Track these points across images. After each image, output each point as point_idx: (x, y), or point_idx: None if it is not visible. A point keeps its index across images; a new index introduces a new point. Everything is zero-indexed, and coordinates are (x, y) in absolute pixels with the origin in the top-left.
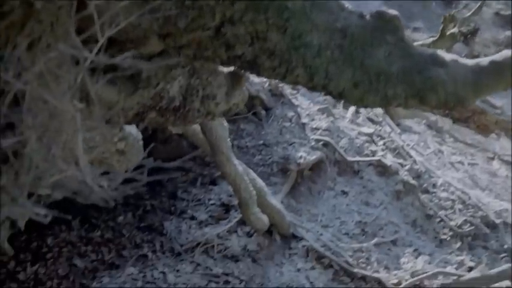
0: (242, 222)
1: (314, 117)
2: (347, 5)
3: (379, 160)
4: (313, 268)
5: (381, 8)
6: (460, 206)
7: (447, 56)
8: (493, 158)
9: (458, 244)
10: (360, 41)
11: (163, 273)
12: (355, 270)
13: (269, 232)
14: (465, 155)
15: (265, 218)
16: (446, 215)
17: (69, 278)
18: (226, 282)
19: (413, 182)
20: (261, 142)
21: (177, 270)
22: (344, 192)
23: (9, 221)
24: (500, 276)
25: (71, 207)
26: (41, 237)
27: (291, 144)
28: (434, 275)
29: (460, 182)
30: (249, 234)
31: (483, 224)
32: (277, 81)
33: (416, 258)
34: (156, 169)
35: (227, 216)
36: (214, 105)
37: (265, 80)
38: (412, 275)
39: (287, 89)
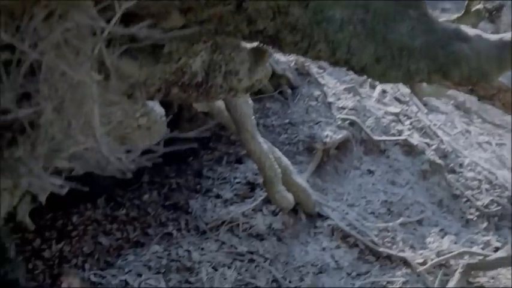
0: (267, 201)
1: (340, 96)
2: None
3: (406, 139)
4: (338, 247)
5: None
6: (487, 186)
7: (470, 31)
8: None
9: (485, 224)
10: (383, 15)
11: (188, 251)
12: (381, 249)
13: (294, 211)
14: (493, 135)
15: (290, 197)
16: (472, 195)
17: (94, 255)
18: (251, 260)
19: (439, 161)
20: (287, 121)
21: (202, 249)
22: (370, 172)
23: (30, 196)
24: None
25: (96, 186)
26: (66, 215)
27: (317, 123)
28: (460, 255)
29: (487, 162)
30: (274, 213)
31: (510, 204)
32: (302, 59)
33: (442, 238)
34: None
35: (252, 195)
36: (237, 81)
37: (291, 58)
38: (438, 254)
39: (313, 68)
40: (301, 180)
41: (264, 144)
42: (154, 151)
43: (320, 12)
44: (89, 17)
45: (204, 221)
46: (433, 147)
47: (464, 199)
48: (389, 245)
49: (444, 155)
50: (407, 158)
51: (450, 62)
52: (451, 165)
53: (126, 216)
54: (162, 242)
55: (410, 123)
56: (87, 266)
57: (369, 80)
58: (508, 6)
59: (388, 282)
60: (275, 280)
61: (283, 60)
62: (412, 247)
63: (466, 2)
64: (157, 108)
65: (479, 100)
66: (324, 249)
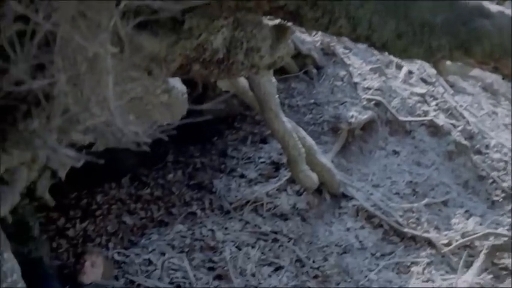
0: (292, 181)
1: (366, 77)
2: None
3: (432, 120)
4: (362, 227)
5: None
6: None
7: (493, 8)
8: None
9: (510, 205)
10: None
11: (212, 230)
12: (405, 230)
13: (319, 191)
14: None
15: (314, 177)
16: (498, 176)
17: (118, 234)
18: (275, 240)
19: (465, 142)
20: (312, 101)
21: (226, 228)
22: (395, 152)
23: (50, 171)
24: None
25: (121, 165)
26: (91, 195)
27: (342, 104)
28: (485, 236)
29: None
30: (299, 193)
31: None
32: (328, 39)
33: (468, 219)
34: (205, 123)
35: (277, 175)
36: (258, 58)
37: (317, 38)
38: (463, 235)
39: (339, 48)
40: (325, 160)
41: (288, 124)
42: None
43: None
44: None
45: (228, 201)
46: (459, 128)
47: (490, 180)
48: (414, 225)
49: (470, 136)
50: (433, 139)
51: (472, 39)
52: (477, 146)
53: (151, 195)
54: (186, 222)
55: (437, 104)
56: (111, 244)
57: (395, 60)
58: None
59: (412, 263)
60: (299, 260)
61: (309, 40)
62: (436, 228)
63: None
64: (179, 86)
65: (503, 79)
66: (348, 229)
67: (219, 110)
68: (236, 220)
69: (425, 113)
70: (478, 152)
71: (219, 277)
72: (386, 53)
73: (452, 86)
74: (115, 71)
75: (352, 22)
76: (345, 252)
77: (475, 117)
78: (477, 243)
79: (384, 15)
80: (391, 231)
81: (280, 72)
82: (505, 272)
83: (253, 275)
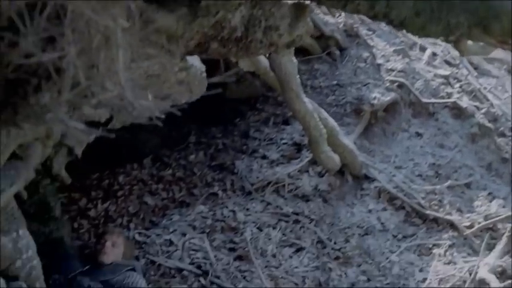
0: (314, 162)
1: (389, 59)
2: None
3: (455, 102)
4: (384, 209)
5: None
6: None
7: None
8: None
9: None
10: None
11: (233, 211)
12: (428, 212)
13: (341, 172)
14: None
15: (336, 158)
16: None
17: (139, 215)
18: (296, 221)
19: (489, 125)
20: (335, 82)
21: (247, 209)
22: (418, 134)
23: (66, 148)
24: None
25: (143, 146)
26: (113, 175)
27: (365, 85)
28: (508, 219)
29: None
30: (321, 174)
31: None
32: (351, 21)
33: (490, 201)
34: (228, 104)
35: (299, 156)
36: (277, 36)
37: (340, 20)
38: (485, 218)
39: (363, 30)
40: (347, 141)
41: (309, 104)
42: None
43: None
44: None
45: (249, 182)
46: (483, 110)
47: None
48: (436, 207)
49: (494, 119)
50: (456, 121)
51: (490, 16)
52: (501, 128)
53: (172, 176)
54: (208, 202)
55: (460, 86)
56: (132, 225)
57: (419, 42)
58: None
59: (434, 245)
60: (320, 241)
61: (332, 22)
62: (459, 210)
63: None
64: (198, 64)
65: None
66: (370, 211)
67: (241, 91)
68: (257, 201)
69: (449, 95)
70: (502, 135)
71: (239, 258)
72: (404, 31)
73: (476, 68)
74: (131, 48)
75: (369, 0)
76: (366, 234)
77: (499, 99)
78: (499, 225)
79: None
80: (413, 213)
81: (303, 53)
82: None
83: (274, 256)
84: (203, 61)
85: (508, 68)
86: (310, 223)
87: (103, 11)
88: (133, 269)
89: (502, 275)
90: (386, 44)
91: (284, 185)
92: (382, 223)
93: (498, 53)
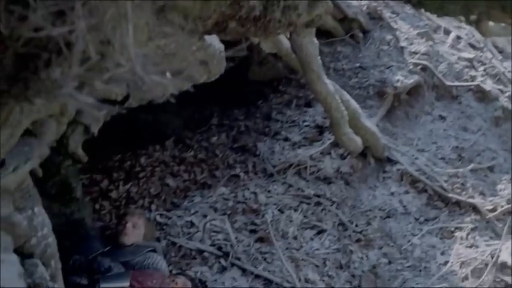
0: (336, 144)
1: (413, 41)
2: None
3: (479, 85)
4: (407, 192)
5: None
6: None
7: None
8: None
9: None
10: None
11: (255, 193)
12: (450, 195)
13: (363, 155)
14: None
15: (358, 140)
16: None
17: (160, 196)
18: (318, 203)
19: None
20: (358, 65)
21: (269, 191)
22: (442, 117)
23: (83, 127)
24: None
25: (166, 128)
26: (135, 157)
27: (388, 68)
28: None
29: None
30: (343, 157)
31: None
32: (375, 3)
33: None
34: (251, 86)
35: (321, 138)
36: (296, 16)
37: (363, 2)
38: (508, 201)
39: (386, 13)
40: (370, 124)
41: (331, 86)
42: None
43: None
44: None
45: (271, 164)
46: (507, 93)
47: None
48: (458, 191)
49: None
50: (480, 104)
51: None
52: None
53: (194, 158)
54: (229, 184)
55: (484, 70)
56: (153, 206)
57: (443, 25)
58: None
59: (456, 228)
60: (341, 224)
61: (355, 4)
62: (482, 193)
63: None
64: (216, 44)
65: None
66: (392, 194)
67: (263, 73)
68: (279, 183)
69: (473, 78)
70: None
71: (260, 240)
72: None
73: (501, 52)
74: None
75: None
76: (388, 217)
77: None
78: None
79: None
80: (435, 196)
81: (326, 35)
82: None
83: (295, 238)
84: (224, 42)
85: None
86: (331, 205)
87: None
88: (153, 250)
89: None
90: (410, 27)
91: (306, 167)
92: (404, 206)
93: None
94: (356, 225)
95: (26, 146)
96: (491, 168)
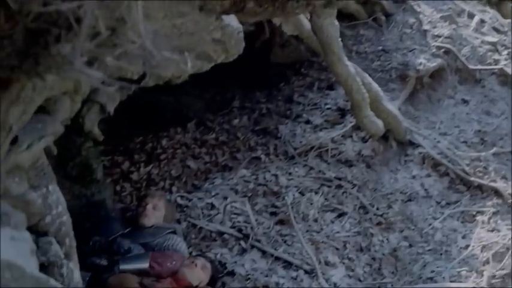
0: (357, 127)
1: (436, 25)
2: None
3: (502, 69)
4: (428, 175)
5: None
6: None
7: None
8: None
9: None
10: None
11: (276, 175)
12: (472, 179)
13: (385, 138)
14: None
15: (379, 123)
16: None
17: (181, 178)
18: (339, 186)
19: None
20: (380, 48)
21: (290, 173)
22: (464, 101)
23: (98, 105)
24: None
25: (187, 110)
26: (156, 139)
27: (411, 51)
28: None
29: None
30: (364, 140)
31: None
32: None
33: None
34: (273, 69)
35: (342, 121)
36: None
37: None
38: None
39: None
40: (392, 107)
41: (351, 68)
42: None
43: None
44: None
45: (292, 146)
46: None
47: None
48: (480, 174)
49: None
50: (503, 88)
51: None
52: None
53: (216, 140)
54: (250, 166)
55: (508, 53)
56: (174, 188)
57: (467, 9)
58: None
59: (478, 212)
60: (362, 207)
61: None
62: (504, 177)
63: None
64: (234, 24)
65: None
66: (414, 177)
67: (286, 55)
68: (300, 166)
69: (496, 62)
70: None
71: (281, 222)
72: None
73: None
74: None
75: None
76: (409, 200)
77: None
78: None
79: None
80: (457, 180)
81: (349, 18)
82: None
83: (315, 220)
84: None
85: None
86: (352, 188)
87: None
88: (174, 232)
89: None
90: (433, 11)
91: (327, 150)
92: (425, 189)
93: None
94: (377, 208)
95: (39, 123)
96: None
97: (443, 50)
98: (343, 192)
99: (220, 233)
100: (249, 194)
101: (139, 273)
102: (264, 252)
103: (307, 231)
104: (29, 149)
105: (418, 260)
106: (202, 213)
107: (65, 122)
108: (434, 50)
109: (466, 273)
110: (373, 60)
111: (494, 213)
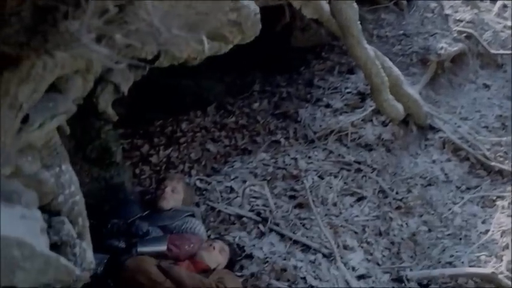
0: (377, 112)
1: (458, 9)
2: None
3: None
4: (449, 160)
5: None
6: None
7: None
8: None
9: None
10: None
11: (295, 159)
12: (493, 163)
13: (405, 122)
14: None
15: (399, 107)
16: None
17: (201, 162)
18: (358, 170)
19: None
20: (401, 32)
21: (309, 157)
22: (486, 86)
23: (113, 85)
24: None
25: (207, 94)
26: (176, 122)
27: (432, 35)
28: None
29: None
30: (384, 124)
31: None
32: None
33: None
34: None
35: (363, 105)
36: None
37: None
38: None
39: None
40: (412, 91)
41: (371, 51)
42: None
43: None
44: None
45: (312, 130)
46: None
47: None
48: (501, 159)
49: None
50: None
51: None
52: None
53: (235, 124)
54: (270, 150)
55: None
56: (193, 172)
57: None
58: None
59: (498, 197)
60: (382, 191)
61: None
62: None
63: None
64: (251, 5)
65: None
66: (434, 161)
67: (306, 39)
68: (320, 149)
69: None
70: None
71: (299, 205)
72: None
73: None
74: None
75: None
76: (429, 185)
77: None
78: None
79: None
80: (477, 165)
81: (370, 2)
82: None
83: (334, 204)
84: (269, 9)
85: None
86: (372, 172)
87: None
88: (192, 215)
89: None
90: None
91: (347, 134)
92: (445, 174)
93: None
94: (396, 193)
95: (50, 101)
96: None
97: (464, 34)
98: (363, 176)
99: (239, 216)
100: (268, 178)
101: (157, 255)
102: (282, 236)
103: (325, 214)
104: (41, 128)
105: (437, 245)
106: (221, 196)
107: (77, 101)
108: (455, 35)
109: (485, 258)
110: (394, 45)
111: None
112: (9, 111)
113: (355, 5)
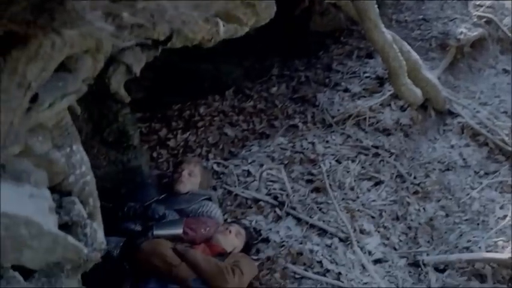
0: (396, 96)
1: None
2: None
3: None
4: (467, 145)
5: None
6: None
7: None
8: None
9: None
10: None
11: (313, 143)
12: (511, 149)
13: (424, 107)
14: None
15: (418, 91)
16: None
17: (218, 145)
18: (376, 154)
19: None
20: (421, 17)
21: (327, 141)
22: (505, 71)
23: (125, 66)
24: None
25: (226, 78)
26: (194, 106)
27: (451, 20)
28: None
29: None
30: (403, 108)
31: None
32: None
33: None
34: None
35: (381, 90)
36: None
37: None
38: None
39: None
40: (431, 75)
41: (388, 35)
42: None
43: None
44: None
45: (330, 115)
46: None
47: None
48: None
49: None
50: None
51: None
52: None
53: (253, 108)
54: (287, 134)
55: None
56: (210, 155)
57: None
58: None
59: None
60: (399, 175)
61: None
62: None
63: None
64: None
65: None
66: (452, 146)
67: (325, 24)
68: (337, 134)
69: None
70: None
71: (316, 190)
72: None
73: None
74: None
75: None
76: (447, 170)
77: None
78: None
79: None
80: (496, 150)
81: None
82: None
83: (351, 188)
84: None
85: None
86: (390, 157)
87: None
88: (209, 199)
89: None
90: None
91: (365, 118)
92: (464, 159)
93: None
94: (414, 177)
95: (60, 81)
96: None
97: (484, 19)
98: (380, 161)
99: (256, 200)
100: (286, 162)
101: (173, 238)
102: (299, 220)
103: (342, 199)
104: (51, 108)
105: (455, 230)
106: (238, 180)
107: (87, 81)
108: (475, 20)
109: (502, 244)
110: (413, 29)
111: None
112: (17, 90)
113: None
